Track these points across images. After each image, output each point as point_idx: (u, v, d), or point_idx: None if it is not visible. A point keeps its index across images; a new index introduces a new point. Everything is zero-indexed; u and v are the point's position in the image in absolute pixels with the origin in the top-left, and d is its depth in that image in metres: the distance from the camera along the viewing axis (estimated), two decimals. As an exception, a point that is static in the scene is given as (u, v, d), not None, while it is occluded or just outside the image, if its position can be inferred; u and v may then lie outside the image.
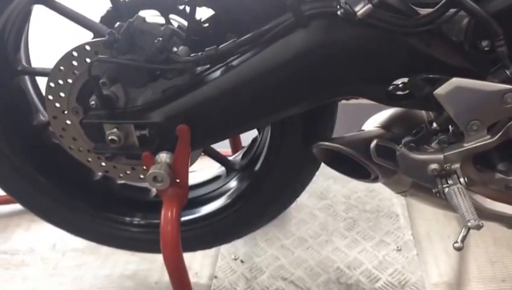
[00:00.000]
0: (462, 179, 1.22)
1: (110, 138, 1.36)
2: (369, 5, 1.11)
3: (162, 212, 1.38)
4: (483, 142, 1.19)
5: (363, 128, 1.45)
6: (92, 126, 1.39)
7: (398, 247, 2.02)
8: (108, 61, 1.30)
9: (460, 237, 1.15)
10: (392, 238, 2.06)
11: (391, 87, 1.26)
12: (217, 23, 1.41)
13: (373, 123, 1.44)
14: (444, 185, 1.22)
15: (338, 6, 1.14)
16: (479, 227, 1.13)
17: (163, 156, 1.36)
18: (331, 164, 1.44)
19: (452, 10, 1.16)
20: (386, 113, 1.45)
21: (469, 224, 1.13)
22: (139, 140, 1.38)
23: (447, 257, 1.96)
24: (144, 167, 1.41)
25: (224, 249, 2.02)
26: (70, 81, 1.40)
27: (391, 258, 1.97)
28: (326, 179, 2.32)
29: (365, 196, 2.28)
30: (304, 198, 2.21)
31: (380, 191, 2.26)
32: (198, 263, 1.98)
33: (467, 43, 1.19)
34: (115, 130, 1.36)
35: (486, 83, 1.14)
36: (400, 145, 1.28)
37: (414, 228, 2.10)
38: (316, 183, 2.28)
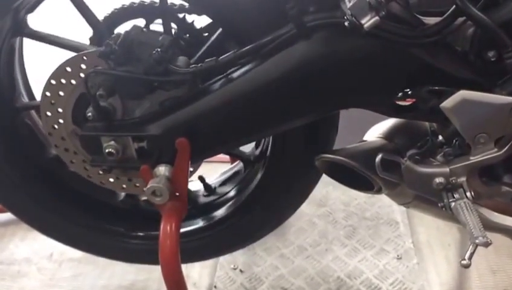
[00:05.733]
0: (468, 193, 1.19)
1: (107, 150, 1.32)
2: (377, 17, 1.08)
3: (161, 226, 1.34)
4: (491, 156, 1.16)
5: (364, 138, 1.43)
6: (89, 139, 1.36)
7: (398, 255, 2.00)
8: (105, 73, 1.26)
9: (468, 254, 1.12)
10: (393, 246, 2.04)
11: (396, 98, 1.23)
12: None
13: (375, 133, 1.42)
14: (450, 200, 1.20)
15: (345, 18, 1.11)
16: (487, 244, 1.11)
17: (162, 170, 1.33)
18: (333, 176, 1.42)
19: (460, 20, 1.13)
20: (388, 123, 1.42)
21: (477, 241, 1.11)
22: (137, 153, 1.35)
23: (447, 265, 1.94)
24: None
25: (223, 258, 1.99)
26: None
27: (392, 267, 1.95)
28: (325, 186, 2.29)
29: (365, 202, 2.26)
30: (302, 205, 2.18)
31: (379, 198, 2.24)
32: (197, 272, 1.96)
33: (472, 53, 1.17)
34: (112, 142, 1.33)
35: (494, 96, 1.11)
36: (405, 159, 1.25)
37: (414, 236, 2.08)
38: (315, 190, 2.22)
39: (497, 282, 1.87)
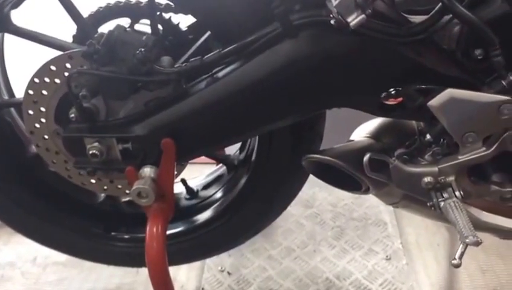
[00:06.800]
0: (457, 193, 1.18)
1: (91, 152, 1.30)
2: (363, 16, 1.06)
3: (147, 228, 1.33)
4: (479, 155, 1.15)
5: (351, 138, 1.41)
6: (72, 140, 1.33)
7: (387, 256, 1.99)
8: (88, 73, 1.24)
9: (458, 253, 1.11)
10: (381, 247, 2.03)
11: (383, 97, 1.22)
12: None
13: (362, 133, 1.40)
14: (439, 199, 1.18)
15: (331, 16, 1.10)
16: (477, 243, 1.09)
17: (148, 171, 1.31)
18: (321, 176, 1.40)
19: (446, 18, 1.11)
20: (375, 122, 1.41)
21: (467, 241, 1.10)
22: (121, 154, 1.33)
23: (437, 265, 1.93)
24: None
25: (210, 260, 1.98)
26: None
27: (381, 267, 1.94)
28: (312, 187, 2.28)
29: (352, 203, 2.25)
30: (289, 206, 2.17)
31: (367, 199, 2.23)
32: (184, 275, 1.94)
33: (459, 51, 1.15)
34: (96, 144, 1.31)
35: (481, 94, 1.10)
36: (393, 158, 1.24)
37: (403, 236, 2.07)
38: (302, 191, 2.21)
39: (487, 282, 1.86)
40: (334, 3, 1.07)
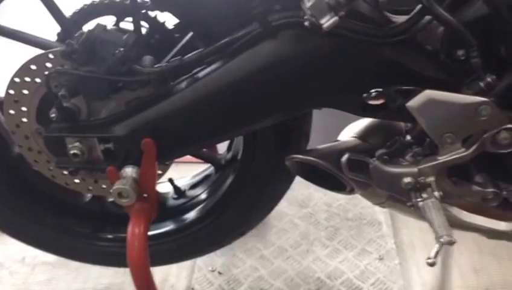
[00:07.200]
0: (436, 193, 1.17)
1: (72, 152, 1.30)
2: (336, 18, 1.05)
3: (129, 228, 1.33)
4: (458, 155, 1.14)
5: (339, 138, 1.41)
6: (53, 140, 1.33)
7: (380, 256, 1.98)
8: (66, 73, 1.24)
9: (433, 252, 1.11)
10: (375, 247, 2.02)
11: (365, 98, 1.21)
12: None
13: (349, 133, 1.40)
14: (418, 199, 1.18)
15: (305, 18, 1.09)
16: (451, 243, 1.10)
17: (129, 171, 1.30)
18: (306, 176, 1.40)
19: (427, 18, 1.10)
20: (363, 122, 1.40)
21: (442, 240, 1.10)
22: (103, 154, 1.32)
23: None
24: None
25: (201, 260, 1.96)
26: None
27: (373, 267, 1.93)
28: (308, 187, 2.25)
29: (347, 203, 2.24)
30: (284, 206, 2.17)
31: (362, 199, 2.19)
32: (174, 275, 1.93)
33: (443, 52, 1.14)
34: (77, 143, 1.30)
35: (459, 96, 1.09)
36: (373, 158, 1.23)
37: (397, 236, 2.06)
38: (297, 191, 2.24)
39: (479, 282, 1.85)
40: (308, 4, 1.06)
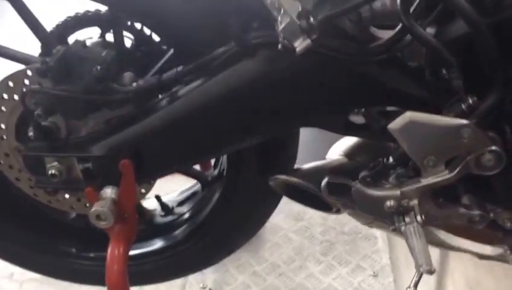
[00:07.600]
0: (419, 217, 1.13)
1: (50, 172, 1.27)
2: (308, 41, 1.01)
3: (109, 250, 1.30)
4: (441, 178, 1.10)
5: (327, 155, 1.38)
6: (32, 159, 1.30)
7: (374, 272, 1.95)
8: (41, 92, 1.21)
9: (413, 282, 1.08)
10: (369, 262, 1.99)
11: (349, 117, 1.18)
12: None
13: (337, 151, 1.37)
14: (401, 223, 1.14)
15: (279, 40, 1.05)
16: (431, 272, 1.07)
17: (109, 192, 1.27)
18: (292, 196, 1.37)
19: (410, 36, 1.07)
20: (352, 139, 1.37)
21: (421, 269, 1.06)
22: (83, 173, 1.29)
23: (424, 282, 1.85)
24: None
25: (192, 277, 1.94)
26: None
27: (367, 284, 1.90)
28: (303, 200, 2.24)
29: (343, 217, 2.17)
30: (279, 219, 2.14)
31: (358, 212, 2.18)
32: (164, 292, 1.90)
33: (428, 69, 1.11)
34: (56, 163, 1.27)
35: (440, 118, 1.05)
36: (356, 181, 1.20)
37: (392, 252, 2.03)
38: (292, 204, 2.17)
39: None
40: (280, 27, 1.03)
